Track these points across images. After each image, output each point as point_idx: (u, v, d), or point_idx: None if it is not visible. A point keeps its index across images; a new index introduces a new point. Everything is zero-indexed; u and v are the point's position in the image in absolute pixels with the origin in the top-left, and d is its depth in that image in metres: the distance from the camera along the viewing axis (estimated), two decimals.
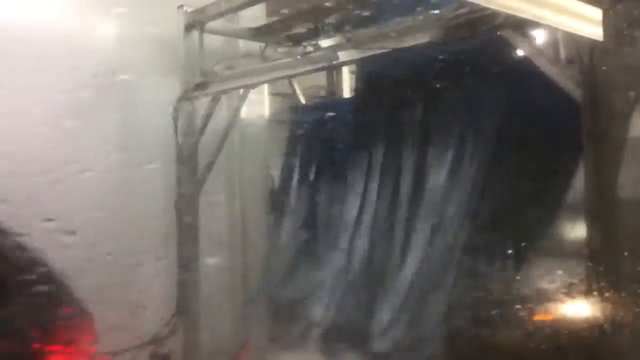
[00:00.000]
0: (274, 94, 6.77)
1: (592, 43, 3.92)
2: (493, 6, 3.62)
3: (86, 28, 5.33)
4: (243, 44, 6.21)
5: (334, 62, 5.17)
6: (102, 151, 5.36)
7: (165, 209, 5.78)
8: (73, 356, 3.41)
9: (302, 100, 6.67)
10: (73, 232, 4.66)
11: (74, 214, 4.81)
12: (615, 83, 4.01)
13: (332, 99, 6.77)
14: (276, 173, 6.70)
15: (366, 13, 5.43)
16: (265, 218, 6.67)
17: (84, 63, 5.14)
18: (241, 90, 6.03)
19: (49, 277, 3.56)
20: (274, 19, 5.99)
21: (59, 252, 4.21)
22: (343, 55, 5.06)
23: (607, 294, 3.87)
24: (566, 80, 4.37)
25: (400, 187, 5.60)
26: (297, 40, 5.87)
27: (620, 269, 3.97)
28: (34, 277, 3.47)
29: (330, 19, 5.71)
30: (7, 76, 4.66)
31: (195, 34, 5.90)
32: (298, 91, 6.59)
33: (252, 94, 6.15)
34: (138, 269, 5.44)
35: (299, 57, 5.39)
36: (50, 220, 4.48)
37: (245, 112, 6.31)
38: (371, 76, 5.91)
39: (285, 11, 5.79)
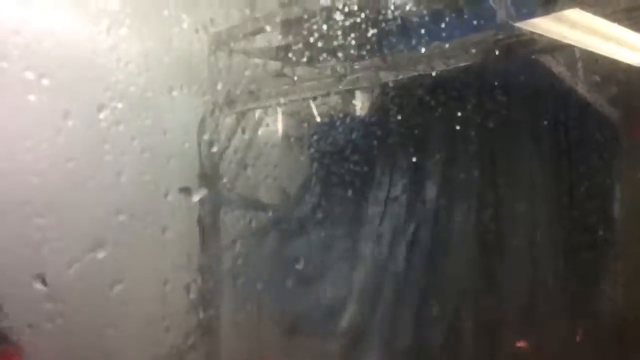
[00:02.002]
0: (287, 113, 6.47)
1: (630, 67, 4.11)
2: (536, 30, 3.83)
3: (112, 46, 5.27)
4: (261, 63, 6.04)
5: (376, 83, 5.30)
6: (125, 167, 5.38)
7: (188, 225, 5.92)
8: None
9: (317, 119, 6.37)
10: (102, 245, 5.02)
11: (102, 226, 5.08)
12: None
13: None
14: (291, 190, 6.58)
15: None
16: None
17: (109, 81, 5.23)
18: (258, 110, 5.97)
19: None
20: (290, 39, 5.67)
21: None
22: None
23: None
24: (602, 101, 4.76)
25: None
26: (321, 61, 5.54)
27: None
28: None
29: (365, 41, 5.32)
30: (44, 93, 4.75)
31: (220, 53, 5.94)
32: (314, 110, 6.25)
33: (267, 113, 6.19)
34: (160, 284, 5.70)
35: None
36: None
37: (261, 130, 6.33)
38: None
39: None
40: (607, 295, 5.54)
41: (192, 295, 5.71)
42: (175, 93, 5.78)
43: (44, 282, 4.55)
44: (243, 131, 6.16)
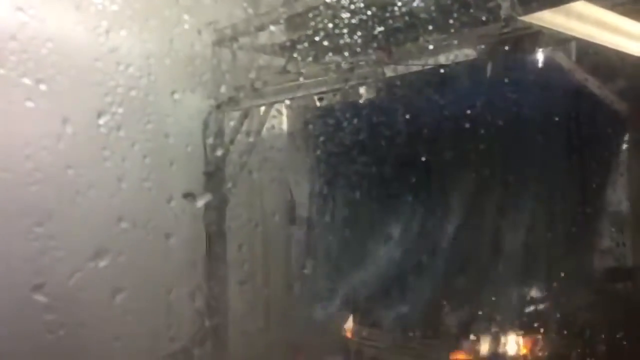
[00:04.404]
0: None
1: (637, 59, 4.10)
2: (543, 24, 3.75)
3: (111, 50, 5.15)
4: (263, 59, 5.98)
5: (382, 77, 5.17)
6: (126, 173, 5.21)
7: (194, 222, 5.83)
8: None
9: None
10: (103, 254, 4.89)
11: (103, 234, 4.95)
12: None
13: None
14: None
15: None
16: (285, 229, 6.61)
17: (109, 85, 5.10)
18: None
19: None
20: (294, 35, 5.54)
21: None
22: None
23: None
24: (609, 94, 4.70)
25: None
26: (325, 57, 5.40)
27: None
28: None
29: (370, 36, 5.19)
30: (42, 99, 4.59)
31: (224, 49, 5.83)
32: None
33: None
34: (164, 293, 5.57)
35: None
36: None
37: (266, 125, 6.21)
38: None
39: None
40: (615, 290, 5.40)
41: (198, 304, 5.60)
42: (177, 96, 5.66)
43: (44, 293, 4.46)
44: (248, 127, 6.04)
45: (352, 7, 4.91)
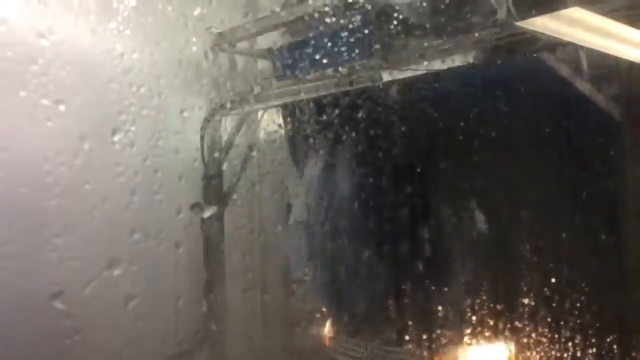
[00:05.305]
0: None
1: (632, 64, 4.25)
2: (537, 29, 3.77)
3: (125, 71, 5.42)
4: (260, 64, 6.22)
5: (378, 82, 5.18)
6: (139, 187, 5.43)
7: (192, 226, 5.98)
8: None
9: None
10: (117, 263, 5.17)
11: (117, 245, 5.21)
12: None
13: None
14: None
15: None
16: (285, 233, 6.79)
17: (123, 105, 5.34)
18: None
19: None
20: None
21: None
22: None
23: None
24: (604, 98, 4.81)
25: None
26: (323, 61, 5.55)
27: None
28: None
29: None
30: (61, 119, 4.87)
31: (222, 55, 6.01)
32: None
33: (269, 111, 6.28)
34: (173, 300, 5.84)
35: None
36: None
37: (263, 129, 6.47)
38: None
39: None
40: (614, 297, 5.53)
41: (204, 309, 5.85)
42: (186, 114, 5.97)
43: (62, 301, 4.73)
44: (246, 132, 6.26)
45: (350, 12, 4.98)
